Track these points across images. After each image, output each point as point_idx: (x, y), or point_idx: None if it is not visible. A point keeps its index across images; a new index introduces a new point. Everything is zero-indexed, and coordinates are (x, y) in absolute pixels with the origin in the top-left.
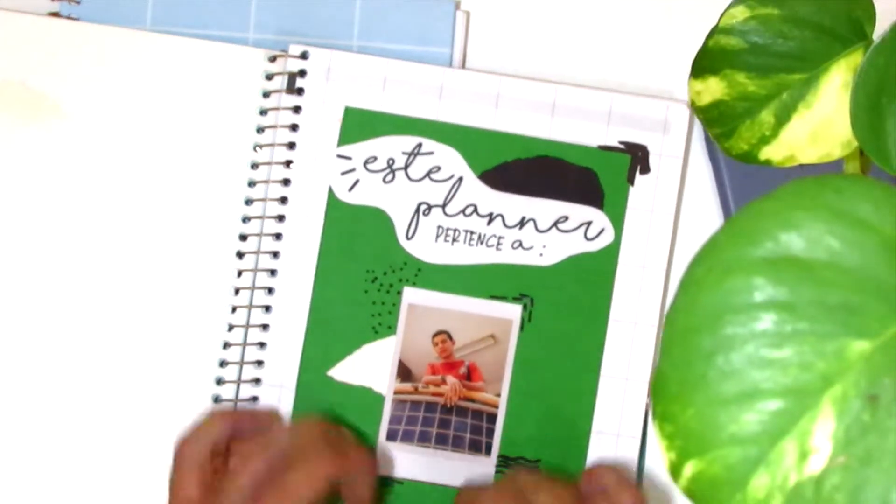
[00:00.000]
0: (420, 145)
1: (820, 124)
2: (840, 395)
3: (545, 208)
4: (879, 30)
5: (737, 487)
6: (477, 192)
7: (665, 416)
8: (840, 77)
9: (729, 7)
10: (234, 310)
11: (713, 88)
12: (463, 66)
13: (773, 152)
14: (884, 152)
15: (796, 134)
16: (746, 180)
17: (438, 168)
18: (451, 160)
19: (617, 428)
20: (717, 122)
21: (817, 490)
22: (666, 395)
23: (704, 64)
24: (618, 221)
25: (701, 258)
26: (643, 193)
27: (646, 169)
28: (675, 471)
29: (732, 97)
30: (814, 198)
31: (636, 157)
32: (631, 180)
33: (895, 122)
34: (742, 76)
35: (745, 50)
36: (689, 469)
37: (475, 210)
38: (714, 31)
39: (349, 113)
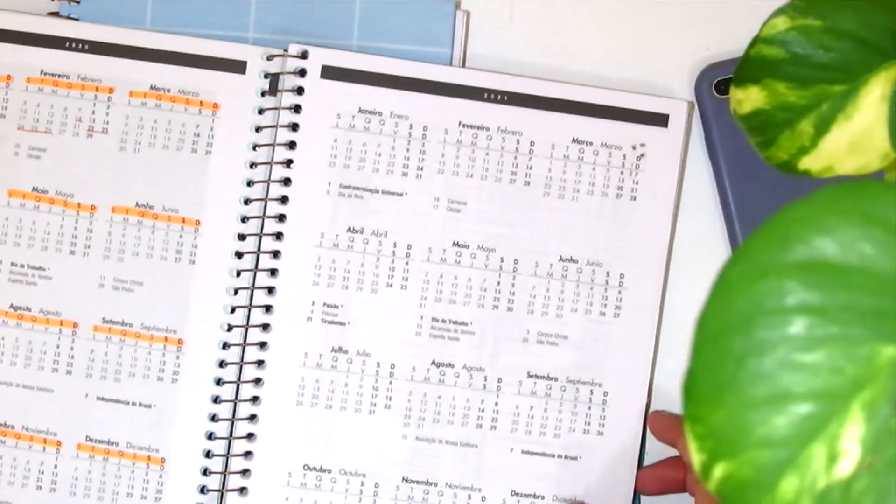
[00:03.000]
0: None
1: (859, 135)
2: (869, 400)
3: None
4: None
5: (766, 489)
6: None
7: (696, 418)
8: (880, 89)
9: (770, 17)
10: (233, 310)
11: (754, 98)
12: (463, 65)
13: (811, 162)
14: None
15: (835, 145)
16: (746, 180)
17: None
18: None
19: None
20: (757, 130)
21: (845, 493)
22: (697, 397)
23: (746, 73)
24: None
25: (734, 261)
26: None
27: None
28: (706, 472)
29: (773, 106)
30: (847, 203)
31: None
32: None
33: None
34: (782, 86)
35: (785, 60)
36: (719, 471)
37: None
38: (755, 41)
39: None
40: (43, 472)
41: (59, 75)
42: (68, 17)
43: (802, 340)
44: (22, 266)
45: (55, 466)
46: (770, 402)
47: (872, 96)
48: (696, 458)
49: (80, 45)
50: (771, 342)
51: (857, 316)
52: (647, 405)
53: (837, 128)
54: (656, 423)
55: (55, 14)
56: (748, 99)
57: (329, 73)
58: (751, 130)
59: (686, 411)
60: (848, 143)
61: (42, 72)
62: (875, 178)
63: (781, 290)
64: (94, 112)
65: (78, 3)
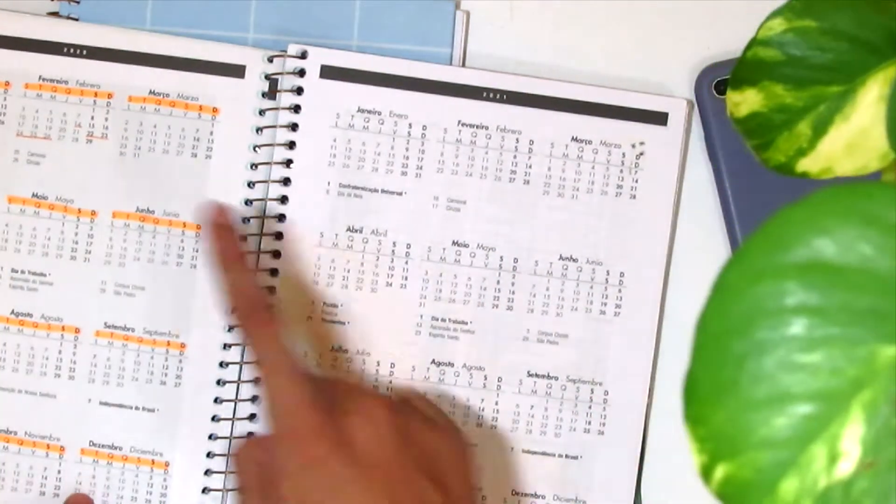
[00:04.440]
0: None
1: (857, 136)
2: (869, 400)
3: None
4: None
5: (767, 490)
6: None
7: (697, 419)
8: (877, 89)
9: (767, 19)
10: (233, 310)
11: (751, 100)
12: (463, 65)
13: (809, 164)
14: None
15: (833, 146)
16: (746, 180)
17: None
18: None
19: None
20: (754, 133)
21: (846, 494)
22: (698, 398)
23: (742, 75)
24: None
25: (733, 263)
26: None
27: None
28: (707, 473)
29: (770, 109)
30: (846, 203)
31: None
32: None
33: None
34: (779, 88)
35: (782, 62)
36: (720, 472)
37: None
38: (752, 43)
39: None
40: (46, 478)
41: (57, 81)
42: (68, 17)
43: (802, 341)
44: (23, 272)
45: (58, 472)
46: (770, 403)
47: (870, 97)
48: (697, 458)
49: (78, 51)
50: (770, 343)
51: (857, 316)
52: (648, 404)
53: (835, 129)
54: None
55: (55, 14)
56: (745, 102)
57: (328, 72)
58: (748, 133)
59: (686, 413)
60: (846, 144)
61: (40, 77)
62: (873, 178)
63: (780, 291)
64: (93, 117)
65: (78, 3)
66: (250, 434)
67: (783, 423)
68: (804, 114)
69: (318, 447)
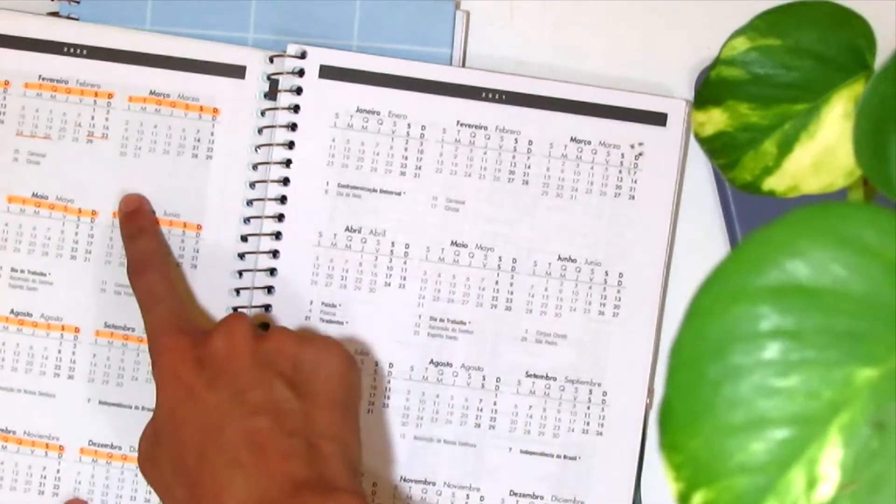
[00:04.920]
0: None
1: (823, 154)
2: (847, 423)
3: None
4: (881, 59)
5: None
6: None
7: (673, 446)
8: (842, 106)
9: (730, 38)
10: (234, 310)
11: (716, 119)
12: (463, 65)
13: (776, 183)
14: (888, 180)
15: (799, 164)
16: None
17: None
18: None
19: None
20: (720, 152)
21: None
22: (673, 425)
23: (707, 95)
24: None
25: (706, 287)
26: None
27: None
28: (684, 500)
29: (735, 128)
30: (819, 225)
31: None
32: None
33: None
34: (744, 107)
35: (747, 81)
36: (697, 499)
37: None
38: (716, 63)
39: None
40: (45, 478)
41: (57, 80)
42: (68, 17)
43: (777, 365)
44: (22, 271)
45: (58, 471)
46: (747, 428)
47: (835, 114)
48: (674, 486)
49: (78, 51)
50: (746, 368)
51: (832, 339)
52: (647, 405)
53: (801, 147)
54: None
55: (55, 14)
56: (710, 121)
57: (327, 72)
58: (714, 153)
59: (662, 440)
60: (812, 161)
61: (40, 77)
62: (839, 196)
63: (755, 314)
64: (93, 117)
65: (78, 3)
66: None
67: (760, 448)
68: (769, 132)
69: (180, 365)
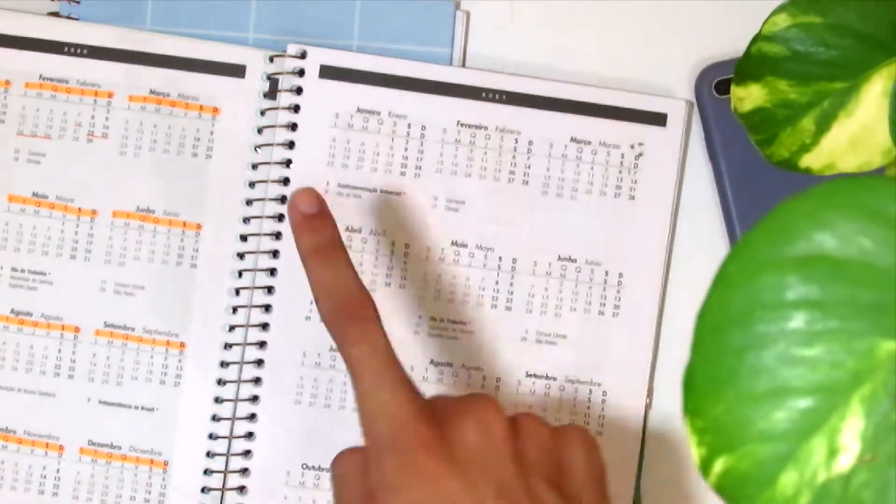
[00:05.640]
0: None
1: (860, 132)
2: (869, 394)
3: None
4: None
5: (766, 484)
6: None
7: (696, 412)
8: (881, 85)
9: (771, 14)
10: (234, 310)
11: (755, 95)
12: (463, 65)
13: (812, 160)
14: None
15: (837, 142)
16: (746, 180)
17: None
18: None
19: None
20: (758, 128)
21: (845, 488)
22: (697, 391)
23: (747, 70)
24: None
25: (733, 256)
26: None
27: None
28: (706, 466)
29: (774, 104)
30: (847, 197)
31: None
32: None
33: None
34: (783, 83)
35: (786, 57)
36: (719, 465)
37: None
38: (756, 38)
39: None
40: (45, 477)
41: (58, 80)
42: (68, 17)
43: (802, 335)
44: (22, 271)
45: (57, 471)
46: (769, 396)
47: (874, 92)
48: (695, 451)
49: (79, 50)
50: (770, 336)
51: (857, 310)
52: (647, 404)
53: (838, 125)
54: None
55: (55, 14)
56: (749, 97)
57: (327, 72)
58: (752, 128)
59: (685, 405)
60: (849, 139)
61: (41, 76)
62: (876, 174)
63: (781, 284)
64: (93, 117)
65: (78, 3)
66: (250, 434)
67: (782, 416)
68: (808, 109)
69: (429, 462)
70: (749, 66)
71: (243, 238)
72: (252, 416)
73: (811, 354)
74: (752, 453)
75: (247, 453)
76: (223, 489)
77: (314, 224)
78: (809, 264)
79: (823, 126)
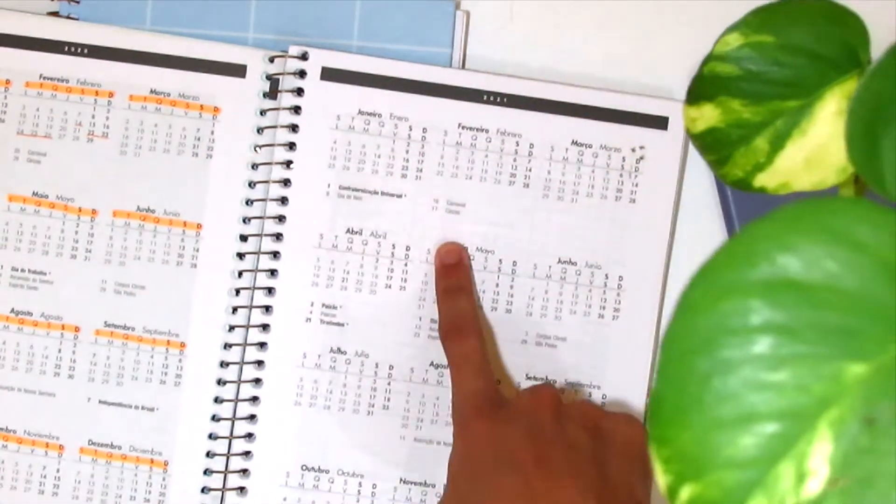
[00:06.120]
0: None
1: (815, 151)
2: (837, 418)
3: None
4: (874, 56)
5: None
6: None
7: (662, 440)
8: (835, 104)
9: (723, 34)
10: (234, 310)
11: (708, 115)
12: (463, 66)
13: (767, 179)
14: (879, 177)
15: (791, 161)
16: None
17: None
18: None
19: None
20: (712, 148)
21: None
22: (662, 419)
23: (699, 91)
24: None
25: (697, 281)
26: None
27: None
28: (672, 494)
29: (727, 124)
30: (811, 220)
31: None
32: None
33: (892, 147)
34: (737, 103)
35: (739, 77)
36: (685, 493)
37: None
38: (709, 58)
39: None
40: (45, 477)
41: (58, 79)
42: (68, 17)
43: (768, 359)
44: (23, 270)
45: (57, 471)
46: (736, 422)
47: (827, 111)
48: (661, 480)
49: (79, 49)
50: (736, 362)
51: (823, 334)
52: (646, 407)
53: (793, 144)
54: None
55: (55, 14)
56: (702, 117)
57: (329, 74)
58: (705, 149)
59: (651, 433)
60: (804, 158)
61: (41, 76)
62: (831, 194)
63: (745, 309)
64: (93, 116)
65: (78, 3)
66: (250, 435)
67: (749, 442)
68: (761, 129)
69: (478, 423)
70: (702, 86)
71: (243, 238)
72: (252, 417)
73: (777, 379)
74: (720, 480)
75: (247, 454)
76: (223, 489)
77: (450, 271)
78: (774, 288)
79: (777, 145)
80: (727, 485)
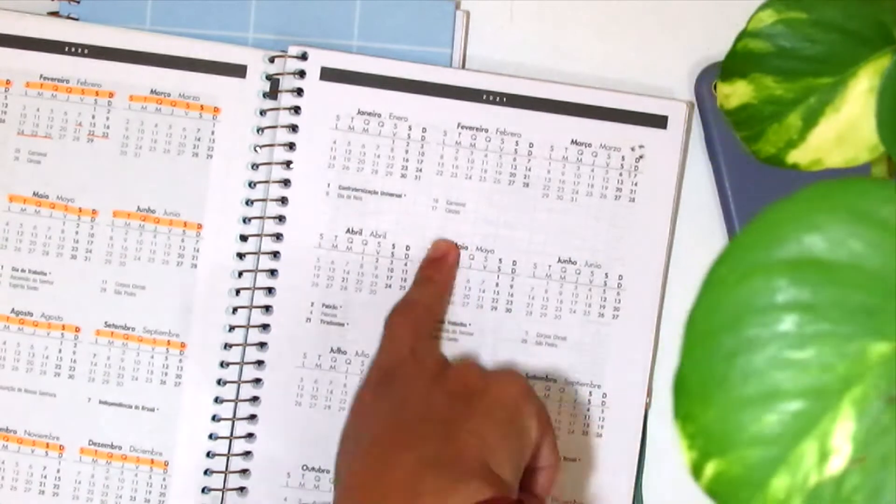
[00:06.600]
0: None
1: (847, 128)
2: (860, 397)
3: None
4: None
5: (757, 488)
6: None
7: (687, 416)
8: (868, 81)
9: (757, 11)
10: (234, 311)
11: (741, 92)
12: (463, 66)
13: (799, 156)
14: None
15: (823, 138)
16: (746, 180)
17: None
18: None
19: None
20: (744, 125)
21: (837, 490)
22: (688, 396)
23: (733, 67)
24: None
25: (723, 259)
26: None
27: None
28: (697, 470)
29: (760, 100)
30: (836, 200)
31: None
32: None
33: None
34: (770, 80)
35: (772, 53)
36: (710, 469)
37: None
38: (742, 35)
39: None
40: (45, 477)
41: (58, 80)
42: (68, 17)
43: (792, 338)
44: (23, 271)
45: (58, 471)
46: (760, 399)
47: (860, 88)
48: (687, 455)
49: (79, 50)
50: (761, 340)
51: (847, 313)
52: (647, 406)
53: (825, 121)
54: None
55: (55, 14)
56: (735, 93)
57: (328, 74)
58: (738, 125)
59: (676, 410)
60: (836, 135)
61: (41, 76)
62: (862, 171)
63: (771, 287)
64: (94, 116)
65: (78, 2)
66: (251, 435)
67: (773, 419)
68: (794, 105)
69: (365, 390)
70: (735, 63)
71: (243, 238)
72: (252, 417)
73: (802, 357)
74: (744, 457)
75: (247, 454)
76: (223, 489)
77: (430, 263)
78: (799, 267)
79: (810, 122)
80: (751, 462)
